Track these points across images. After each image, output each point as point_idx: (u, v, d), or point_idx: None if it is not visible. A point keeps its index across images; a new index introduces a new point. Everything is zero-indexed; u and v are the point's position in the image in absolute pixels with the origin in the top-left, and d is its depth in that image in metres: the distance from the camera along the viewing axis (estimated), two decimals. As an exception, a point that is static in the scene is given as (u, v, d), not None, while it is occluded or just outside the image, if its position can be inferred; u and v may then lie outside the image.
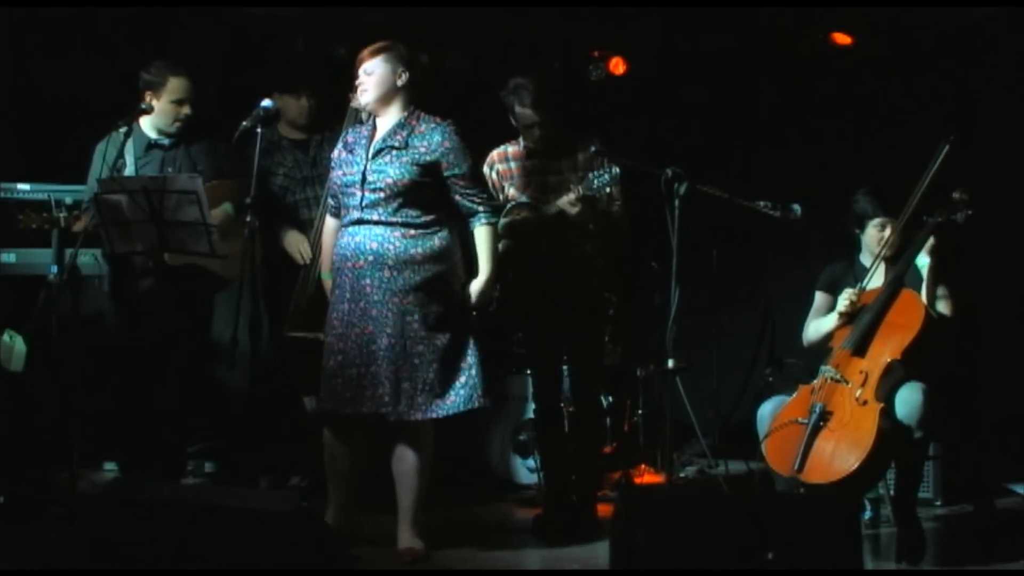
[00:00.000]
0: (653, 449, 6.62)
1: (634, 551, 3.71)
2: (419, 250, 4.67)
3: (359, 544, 4.89)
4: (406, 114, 4.75)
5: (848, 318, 4.91)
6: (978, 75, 6.55)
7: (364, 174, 4.67)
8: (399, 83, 4.72)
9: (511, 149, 5.44)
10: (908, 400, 4.66)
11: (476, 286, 4.80)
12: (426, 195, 4.70)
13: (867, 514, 5.41)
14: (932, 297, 4.87)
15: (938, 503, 5.82)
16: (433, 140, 4.70)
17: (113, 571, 3.79)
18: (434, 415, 4.70)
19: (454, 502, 5.88)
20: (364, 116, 5.40)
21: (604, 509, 5.45)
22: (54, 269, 5.45)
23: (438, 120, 4.78)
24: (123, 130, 5.30)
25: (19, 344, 5.58)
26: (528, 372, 5.72)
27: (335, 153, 4.87)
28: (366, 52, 4.73)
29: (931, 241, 4.85)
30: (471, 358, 4.78)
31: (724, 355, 7.17)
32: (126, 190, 4.92)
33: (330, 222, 4.96)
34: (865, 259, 5.13)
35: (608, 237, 5.40)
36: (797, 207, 5.17)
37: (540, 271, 5.36)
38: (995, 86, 6.50)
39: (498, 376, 6.47)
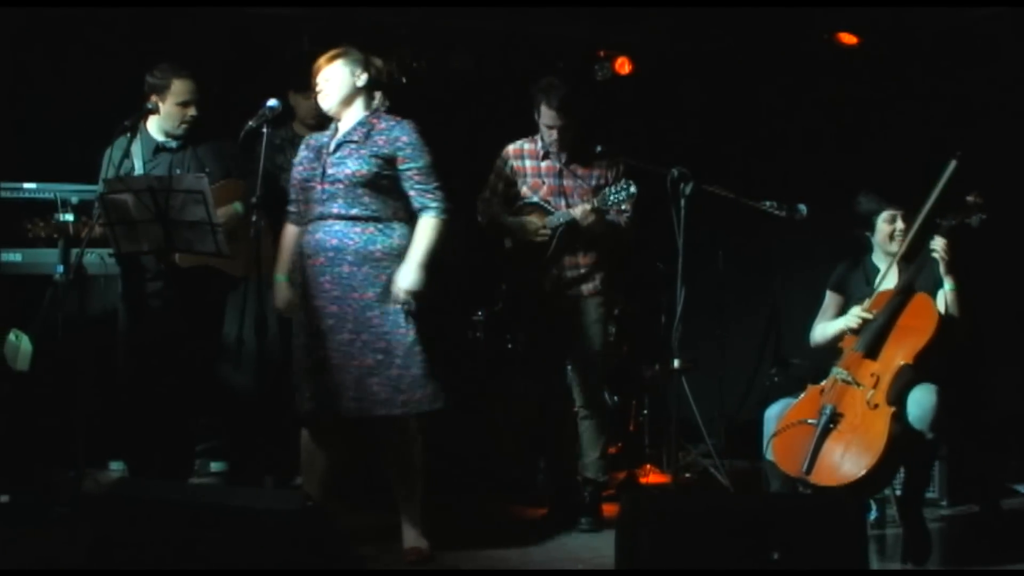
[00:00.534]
0: (658, 449, 6.63)
1: (639, 551, 3.71)
2: (378, 246, 4.67)
3: (364, 543, 4.89)
4: (367, 113, 4.79)
5: (856, 333, 4.89)
6: (980, 75, 6.55)
7: (324, 167, 4.70)
8: (358, 83, 4.77)
9: (528, 146, 5.46)
10: (922, 402, 4.63)
11: (401, 274, 4.66)
12: (385, 189, 4.70)
13: (873, 514, 5.40)
14: (951, 305, 4.84)
15: (944, 503, 5.81)
16: (392, 134, 4.73)
17: (118, 570, 3.79)
18: (399, 412, 4.67)
19: (459, 501, 5.88)
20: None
21: (609, 509, 5.46)
22: (60, 269, 5.45)
23: (398, 118, 4.82)
24: (131, 135, 5.32)
25: (25, 344, 5.58)
26: (532, 372, 5.72)
27: (297, 156, 4.87)
28: (322, 60, 4.77)
29: (943, 250, 4.81)
30: (421, 356, 4.72)
31: (729, 355, 7.17)
32: (132, 190, 4.92)
33: (290, 228, 4.88)
34: (877, 259, 5.10)
35: (611, 248, 5.42)
36: (803, 207, 5.17)
37: (543, 276, 5.38)
38: (997, 86, 6.49)
39: (503, 376, 6.50)
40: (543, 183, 5.41)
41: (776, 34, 6.93)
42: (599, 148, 5.40)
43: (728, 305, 7.15)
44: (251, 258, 4.85)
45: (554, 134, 5.31)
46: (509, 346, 6.51)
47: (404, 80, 5.75)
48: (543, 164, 5.42)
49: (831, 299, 5.16)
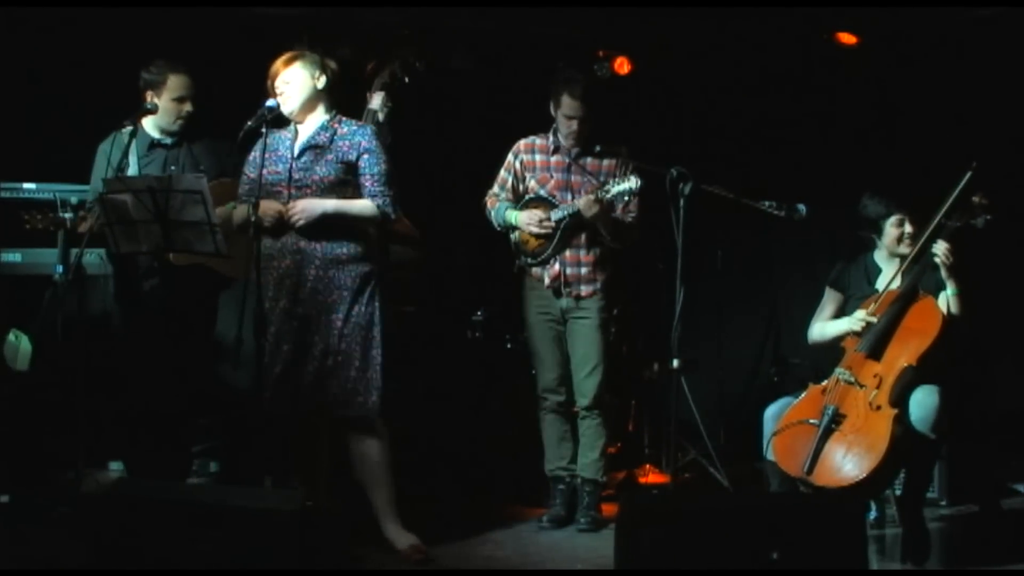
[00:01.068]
0: (657, 449, 6.63)
1: (638, 551, 3.71)
2: (344, 250, 4.73)
3: (363, 544, 4.89)
4: (328, 117, 4.83)
5: (858, 335, 4.89)
6: (982, 75, 6.55)
7: (290, 172, 4.73)
8: (319, 86, 4.81)
9: (539, 141, 5.50)
10: (924, 403, 4.63)
11: (308, 200, 4.69)
12: (349, 194, 4.76)
13: (872, 514, 5.40)
14: (953, 309, 4.84)
15: (943, 503, 5.81)
16: (355, 140, 4.78)
17: (118, 570, 3.80)
18: (355, 414, 4.72)
19: (458, 501, 5.88)
20: (381, 116, 5.43)
21: (609, 509, 5.46)
22: (59, 269, 5.45)
23: (359, 123, 4.91)
24: (127, 130, 5.31)
25: (24, 344, 5.58)
26: (532, 372, 5.72)
27: (250, 155, 4.88)
28: (279, 63, 4.79)
29: (945, 254, 4.80)
30: (379, 363, 4.77)
31: (728, 355, 7.17)
32: (131, 190, 4.92)
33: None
34: (879, 258, 5.10)
35: (614, 249, 5.43)
36: (802, 207, 5.16)
37: (545, 271, 5.40)
38: (998, 86, 6.49)
39: (502, 376, 6.50)
40: (551, 177, 5.44)
41: (775, 34, 6.92)
42: (598, 148, 5.43)
43: (727, 305, 7.15)
44: (249, 258, 4.83)
45: (573, 125, 5.36)
46: (508, 346, 6.51)
47: (407, 80, 5.74)
48: (552, 159, 5.47)
49: (830, 296, 5.16)
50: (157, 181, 4.88)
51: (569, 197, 5.39)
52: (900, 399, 4.65)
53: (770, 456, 4.74)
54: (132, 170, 5.29)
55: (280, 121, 5.27)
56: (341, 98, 4.97)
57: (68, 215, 5.32)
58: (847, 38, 6.91)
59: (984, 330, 5.53)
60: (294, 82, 4.77)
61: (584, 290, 5.42)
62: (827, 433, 4.59)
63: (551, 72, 5.71)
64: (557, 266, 5.41)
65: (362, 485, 4.87)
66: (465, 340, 6.65)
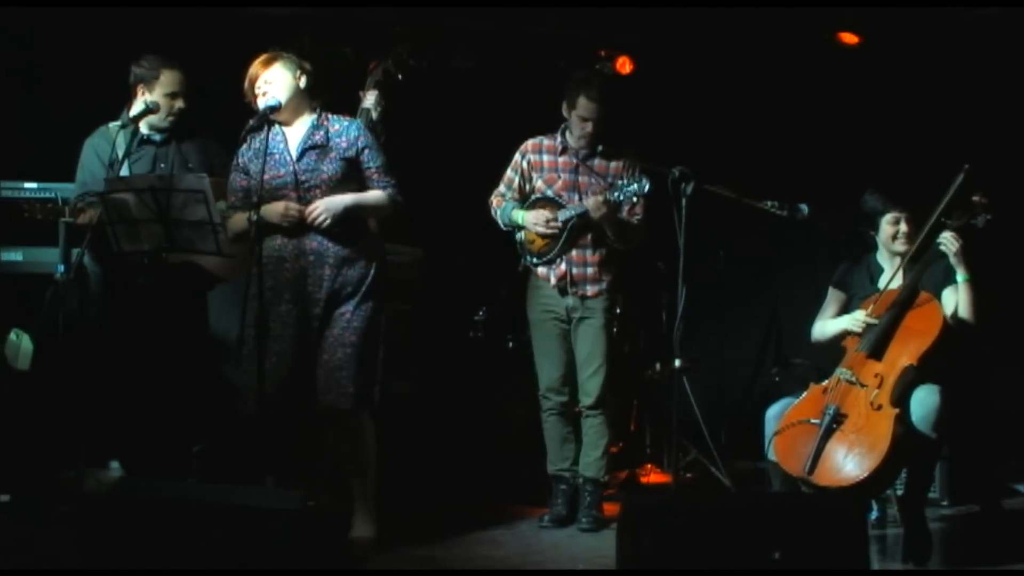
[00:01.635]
0: (659, 449, 6.63)
1: (640, 551, 3.71)
2: (354, 249, 4.78)
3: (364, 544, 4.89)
4: (316, 115, 4.85)
5: (857, 334, 4.89)
6: (984, 75, 6.54)
7: (295, 175, 4.76)
8: (301, 85, 4.82)
9: (547, 142, 5.51)
10: (925, 402, 4.63)
11: (327, 199, 4.73)
12: (355, 189, 4.80)
13: (874, 514, 5.40)
14: (961, 305, 4.83)
15: (945, 503, 5.81)
16: (351, 135, 4.83)
17: (118, 569, 3.79)
18: (365, 405, 4.78)
19: (459, 501, 5.88)
20: (375, 115, 5.42)
21: (610, 509, 5.45)
22: (60, 268, 5.44)
23: (348, 118, 4.94)
24: (114, 125, 5.31)
25: (25, 343, 5.57)
26: (534, 371, 5.72)
27: (240, 159, 4.88)
28: (257, 65, 4.80)
29: (951, 241, 4.79)
30: (380, 359, 4.85)
31: (730, 355, 7.17)
32: (133, 189, 4.91)
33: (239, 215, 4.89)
34: (882, 258, 5.11)
35: (620, 251, 5.43)
36: (804, 207, 5.17)
37: (550, 270, 5.40)
38: (1000, 86, 6.49)
39: (503, 375, 6.50)
40: (558, 178, 5.45)
41: (777, 33, 6.92)
42: (600, 148, 5.43)
43: (729, 305, 7.15)
44: (251, 256, 4.82)
45: (588, 127, 5.36)
46: (510, 345, 6.51)
47: (400, 77, 5.74)
48: (560, 159, 5.47)
49: (833, 296, 5.16)
50: (159, 180, 4.87)
51: (576, 198, 5.39)
52: (901, 399, 4.65)
53: (771, 456, 4.74)
54: (120, 167, 5.25)
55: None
56: (333, 97, 4.97)
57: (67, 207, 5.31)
58: (849, 38, 6.91)
59: (985, 330, 5.53)
60: (276, 82, 4.77)
61: (590, 290, 5.42)
62: (828, 433, 4.58)
63: (552, 72, 5.72)
64: (563, 266, 5.42)
65: (348, 473, 4.91)
66: (466, 340, 6.65)
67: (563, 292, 5.44)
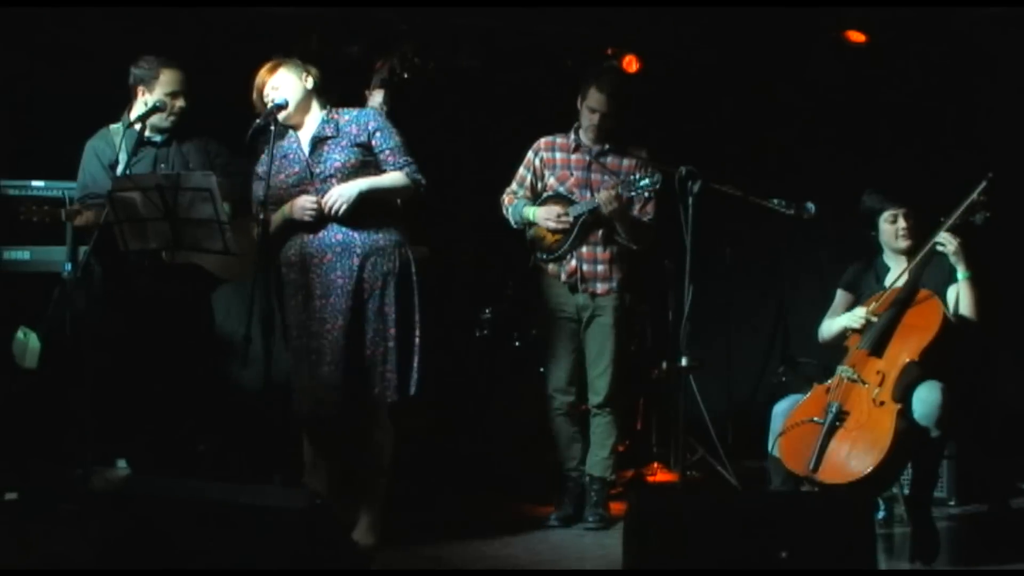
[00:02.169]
0: (666, 447, 6.63)
1: (647, 550, 3.71)
2: (381, 235, 4.75)
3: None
4: (326, 111, 4.85)
5: (859, 332, 4.89)
6: (990, 74, 6.53)
7: (309, 168, 4.76)
8: (308, 86, 4.83)
9: (560, 140, 5.52)
10: (927, 399, 4.63)
11: (341, 185, 4.71)
12: (373, 175, 4.77)
13: (881, 513, 5.40)
14: (962, 302, 4.83)
15: (952, 503, 5.80)
16: (361, 121, 4.82)
17: (125, 568, 3.80)
18: (397, 398, 4.73)
19: (466, 500, 5.89)
20: (384, 112, 5.43)
21: (617, 507, 5.45)
22: (68, 267, 5.45)
23: (358, 108, 4.95)
24: (115, 126, 5.30)
25: (33, 341, 5.59)
26: (541, 370, 5.72)
27: (258, 168, 4.85)
28: (263, 73, 4.81)
29: (949, 241, 4.80)
30: (417, 345, 4.79)
31: (737, 354, 7.16)
32: (140, 187, 4.91)
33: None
34: (888, 258, 5.10)
35: (632, 247, 5.43)
36: (811, 205, 5.16)
37: (560, 267, 5.41)
38: (1002, 85, 6.49)
39: (509, 374, 6.50)
40: (571, 175, 5.46)
41: (784, 32, 6.91)
42: (607, 145, 5.43)
43: (736, 303, 7.15)
44: (257, 255, 4.82)
45: (595, 119, 5.37)
46: (516, 344, 6.50)
47: (405, 76, 5.74)
48: (573, 157, 5.48)
49: (841, 298, 5.16)
50: (166, 179, 4.87)
51: (588, 195, 5.39)
52: (904, 395, 4.65)
53: (775, 453, 4.74)
54: (120, 168, 5.23)
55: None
56: (339, 97, 4.97)
57: (63, 208, 5.31)
58: (856, 36, 6.90)
59: (992, 328, 5.53)
60: (284, 86, 4.78)
61: (600, 288, 5.42)
62: (832, 431, 4.59)
63: (559, 71, 5.72)
64: (574, 262, 5.42)
65: (362, 471, 4.87)
66: (473, 338, 6.65)
67: (573, 289, 5.44)
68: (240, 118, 4.87)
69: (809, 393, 4.83)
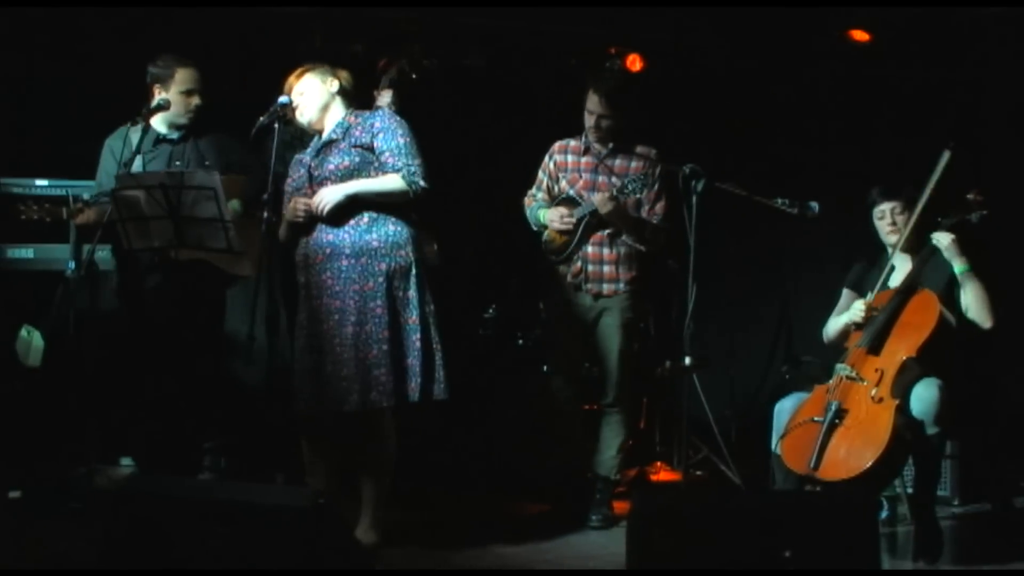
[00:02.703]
0: (669, 446, 6.62)
1: (650, 549, 3.70)
2: (374, 236, 4.70)
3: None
4: (344, 115, 4.86)
5: (859, 327, 4.90)
6: (987, 74, 6.53)
7: (310, 172, 4.78)
8: (332, 90, 4.84)
9: (572, 143, 5.55)
10: (924, 396, 4.65)
11: (329, 188, 4.70)
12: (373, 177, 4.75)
13: (884, 512, 5.40)
14: (964, 296, 4.84)
15: (955, 502, 5.79)
16: (367, 123, 4.81)
17: (129, 566, 3.80)
18: (393, 403, 4.69)
19: (470, 499, 5.88)
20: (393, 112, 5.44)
21: (620, 506, 5.45)
22: (71, 265, 5.45)
23: (374, 111, 4.95)
24: (137, 126, 5.31)
25: (36, 340, 5.59)
26: (544, 368, 5.73)
27: (291, 177, 4.90)
28: (291, 78, 4.83)
29: (944, 237, 4.81)
30: (432, 346, 4.77)
31: (741, 353, 7.16)
32: (143, 186, 4.92)
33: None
34: (895, 258, 5.10)
35: (641, 249, 5.42)
36: (815, 205, 5.16)
37: (567, 267, 5.41)
38: (1002, 85, 6.48)
39: (512, 373, 6.49)
40: (580, 177, 5.48)
41: (788, 31, 6.91)
42: (611, 145, 5.43)
43: (739, 303, 7.14)
44: (261, 254, 4.83)
45: (591, 121, 5.38)
46: (520, 343, 6.50)
47: (414, 76, 5.74)
48: (583, 159, 5.51)
49: (847, 297, 5.16)
50: (169, 177, 4.88)
51: (595, 197, 5.40)
52: (903, 392, 4.66)
53: (778, 451, 4.75)
54: (136, 166, 5.26)
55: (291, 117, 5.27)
56: (356, 99, 4.98)
57: (64, 207, 5.32)
58: (860, 35, 6.89)
59: (995, 327, 5.53)
60: (308, 91, 4.81)
61: (606, 288, 5.42)
62: (831, 429, 4.60)
63: (564, 70, 5.72)
64: (579, 263, 5.43)
65: (360, 476, 4.87)
66: (476, 337, 6.65)
67: (578, 289, 5.44)
68: (246, 116, 4.88)
69: (810, 395, 4.84)
